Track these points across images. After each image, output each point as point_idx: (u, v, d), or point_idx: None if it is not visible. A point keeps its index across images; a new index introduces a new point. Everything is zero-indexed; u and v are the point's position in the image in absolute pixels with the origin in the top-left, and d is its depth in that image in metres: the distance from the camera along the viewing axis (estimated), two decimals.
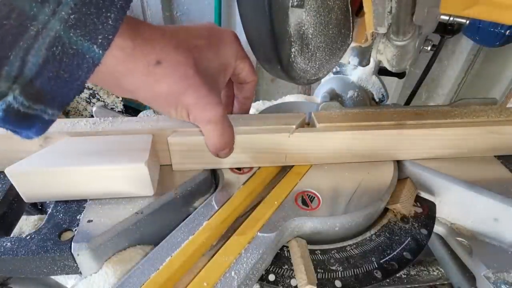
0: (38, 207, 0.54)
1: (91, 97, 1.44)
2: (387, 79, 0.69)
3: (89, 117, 0.44)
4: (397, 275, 0.40)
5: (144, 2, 1.40)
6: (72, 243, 0.32)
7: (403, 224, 0.40)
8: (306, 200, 0.38)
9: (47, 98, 0.22)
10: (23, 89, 0.21)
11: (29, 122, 0.23)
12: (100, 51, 0.22)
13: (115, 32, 0.22)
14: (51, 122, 0.24)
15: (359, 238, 0.38)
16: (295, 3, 0.31)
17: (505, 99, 1.47)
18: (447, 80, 1.51)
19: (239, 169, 0.42)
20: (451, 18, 0.47)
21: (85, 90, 1.42)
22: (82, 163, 0.33)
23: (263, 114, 0.52)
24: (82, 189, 0.35)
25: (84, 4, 0.21)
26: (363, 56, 0.55)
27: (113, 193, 0.36)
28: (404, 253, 0.36)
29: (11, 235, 0.36)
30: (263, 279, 0.34)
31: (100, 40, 0.22)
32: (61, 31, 0.20)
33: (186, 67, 0.28)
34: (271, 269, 0.35)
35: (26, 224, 0.52)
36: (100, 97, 1.45)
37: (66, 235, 0.33)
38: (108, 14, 0.22)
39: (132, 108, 1.59)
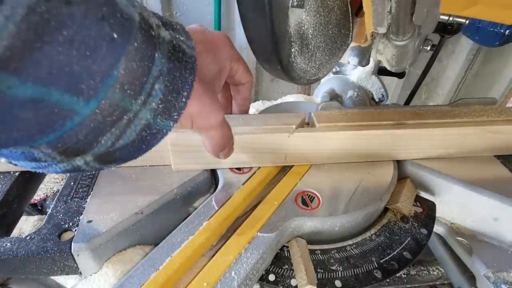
0: (38, 207, 0.54)
1: None
2: (386, 79, 0.69)
3: None
4: (397, 275, 0.40)
5: (144, 2, 1.40)
6: (72, 244, 0.32)
7: (403, 224, 0.40)
8: (306, 200, 0.38)
9: (115, 162, 0.24)
10: (98, 157, 0.23)
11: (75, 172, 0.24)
12: (172, 124, 0.24)
13: (185, 105, 0.24)
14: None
15: (359, 238, 0.38)
16: (295, 3, 0.31)
17: (504, 99, 1.47)
18: (446, 80, 1.52)
19: (239, 169, 0.42)
20: (451, 18, 0.47)
21: None
22: None
23: (263, 114, 0.52)
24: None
25: (169, 93, 0.23)
26: (363, 56, 0.55)
27: None
28: (404, 253, 0.36)
29: (11, 236, 0.36)
30: (263, 279, 0.34)
31: (175, 116, 0.24)
32: (151, 119, 0.22)
33: None
34: (271, 269, 0.35)
35: (26, 225, 0.52)
36: None
37: (66, 236, 0.33)
38: (184, 94, 0.24)
39: None
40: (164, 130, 0.24)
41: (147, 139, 0.24)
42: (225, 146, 0.34)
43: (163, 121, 0.23)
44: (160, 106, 0.22)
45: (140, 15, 0.20)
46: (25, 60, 0.15)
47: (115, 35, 0.18)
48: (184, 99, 0.24)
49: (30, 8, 0.14)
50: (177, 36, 0.24)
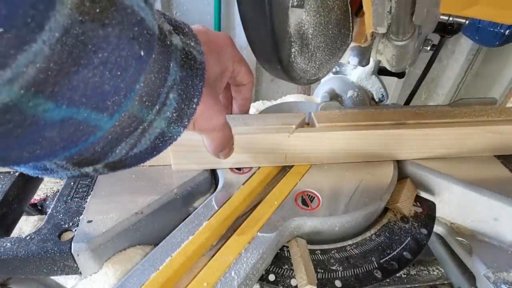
0: (38, 207, 0.54)
1: None
2: (386, 79, 0.69)
3: None
4: (397, 275, 0.40)
5: None
6: (72, 244, 0.32)
7: (403, 224, 0.40)
8: (306, 200, 0.38)
9: (124, 167, 0.24)
10: (109, 165, 0.23)
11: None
12: (183, 130, 0.24)
13: (195, 111, 0.25)
14: None
15: (359, 238, 0.38)
16: (295, 3, 0.31)
17: (504, 99, 1.47)
18: (446, 80, 1.52)
19: (239, 169, 0.42)
20: (451, 18, 0.47)
21: None
22: None
23: (263, 114, 0.52)
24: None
25: (183, 101, 0.23)
26: (363, 56, 0.55)
27: None
28: (404, 253, 0.36)
29: (11, 236, 0.36)
30: (263, 279, 0.34)
31: (185, 123, 0.24)
32: (165, 128, 0.23)
33: None
34: (271, 269, 0.35)
35: (26, 225, 0.52)
36: None
37: (66, 236, 0.33)
38: (195, 100, 0.24)
39: None
40: (175, 136, 0.24)
41: (159, 146, 0.24)
42: (226, 146, 0.34)
43: (175, 128, 0.24)
44: (174, 114, 0.23)
45: (159, 27, 0.20)
46: (61, 84, 0.15)
47: (142, 53, 0.18)
48: (194, 106, 0.24)
49: (66, 30, 0.14)
50: (188, 42, 0.24)
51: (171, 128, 0.23)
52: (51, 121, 0.16)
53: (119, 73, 0.17)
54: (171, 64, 0.21)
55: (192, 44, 0.25)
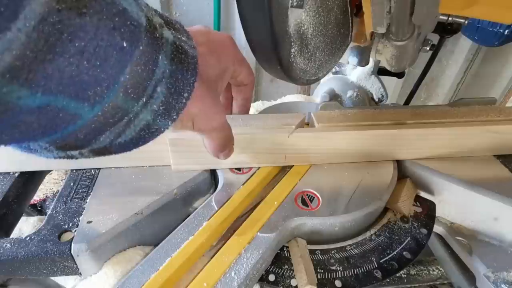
0: (37, 208, 0.54)
1: None
2: (386, 79, 0.70)
3: None
4: (397, 274, 0.40)
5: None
6: (72, 244, 0.32)
7: (403, 223, 0.40)
8: (306, 200, 0.38)
9: (110, 154, 0.24)
10: (94, 151, 0.23)
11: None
12: (170, 123, 0.24)
13: (185, 106, 0.24)
14: None
15: (359, 238, 0.38)
16: (295, 3, 0.31)
17: (504, 99, 1.47)
18: (446, 80, 1.52)
19: (238, 169, 0.42)
20: (450, 18, 0.47)
21: None
22: None
23: (263, 114, 0.52)
24: None
25: (171, 95, 0.23)
26: (362, 56, 0.55)
27: None
28: (404, 253, 0.36)
29: (11, 236, 0.36)
30: (263, 279, 0.34)
31: (174, 116, 0.24)
32: (151, 120, 0.22)
33: None
34: (271, 269, 0.35)
35: (26, 225, 0.52)
36: None
37: (66, 236, 0.33)
38: (185, 95, 0.24)
39: None
40: (162, 129, 0.24)
41: (145, 137, 0.24)
42: (226, 147, 0.34)
43: (162, 121, 0.23)
44: (161, 108, 0.22)
45: (147, 18, 0.20)
46: (36, 72, 0.15)
47: (124, 44, 0.18)
48: (184, 100, 0.24)
49: (42, 17, 0.14)
50: (179, 36, 0.24)
51: (158, 121, 0.23)
52: (27, 108, 0.16)
53: (98, 63, 0.17)
54: (160, 57, 0.21)
55: (184, 38, 0.25)
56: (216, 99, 0.30)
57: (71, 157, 0.23)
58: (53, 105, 0.17)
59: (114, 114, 0.20)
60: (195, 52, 0.25)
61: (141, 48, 0.19)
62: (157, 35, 0.21)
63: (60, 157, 0.23)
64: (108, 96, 0.19)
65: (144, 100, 0.21)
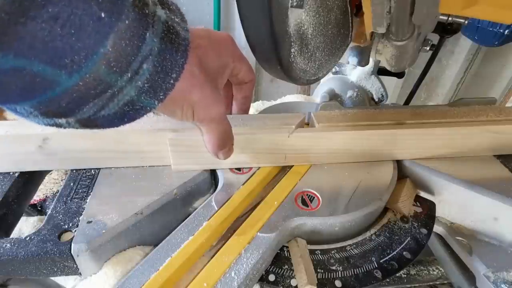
0: (37, 208, 0.54)
1: None
2: (386, 79, 0.70)
3: None
4: (397, 274, 0.40)
5: None
6: (72, 244, 0.32)
7: (403, 223, 0.40)
8: (306, 200, 0.38)
9: (97, 127, 0.24)
10: (80, 121, 0.23)
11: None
12: (157, 103, 0.24)
13: (173, 87, 0.24)
14: None
15: (359, 238, 0.38)
16: (295, 3, 0.31)
17: (504, 99, 1.47)
18: (446, 80, 1.52)
19: (238, 169, 0.42)
20: (450, 18, 0.47)
21: None
22: None
23: (263, 114, 0.52)
24: None
25: (157, 73, 0.23)
26: (362, 56, 0.55)
27: None
28: (404, 253, 0.36)
29: (11, 236, 0.36)
30: (263, 279, 0.34)
31: (161, 96, 0.24)
32: (134, 96, 0.23)
33: (191, 65, 0.28)
34: (271, 269, 0.35)
35: (26, 225, 0.52)
36: None
37: (66, 236, 0.33)
38: (173, 75, 0.24)
39: None
40: (148, 108, 0.24)
41: (130, 113, 0.24)
42: (226, 144, 0.34)
43: (147, 99, 0.24)
44: (146, 85, 0.23)
45: None
46: (8, 34, 0.16)
47: (102, 14, 0.18)
48: (172, 81, 0.24)
49: None
50: (173, 17, 0.24)
51: (142, 98, 0.23)
52: (0, 68, 0.17)
53: (73, 31, 0.17)
54: (148, 34, 0.21)
55: (177, 20, 0.25)
56: (215, 90, 0.30)
57: (59, 125, 0.23)
58: (28, 69, 0.17)
59: (96, 85, 0.20)
60: (187, 34, 0.25)
61: (127, 22, 0.20)
62: (147, 12, 0.21)
63: (48, 124, 0.23)
64: (87, 66, 0.19)
65: (129, 75, 0.21)
